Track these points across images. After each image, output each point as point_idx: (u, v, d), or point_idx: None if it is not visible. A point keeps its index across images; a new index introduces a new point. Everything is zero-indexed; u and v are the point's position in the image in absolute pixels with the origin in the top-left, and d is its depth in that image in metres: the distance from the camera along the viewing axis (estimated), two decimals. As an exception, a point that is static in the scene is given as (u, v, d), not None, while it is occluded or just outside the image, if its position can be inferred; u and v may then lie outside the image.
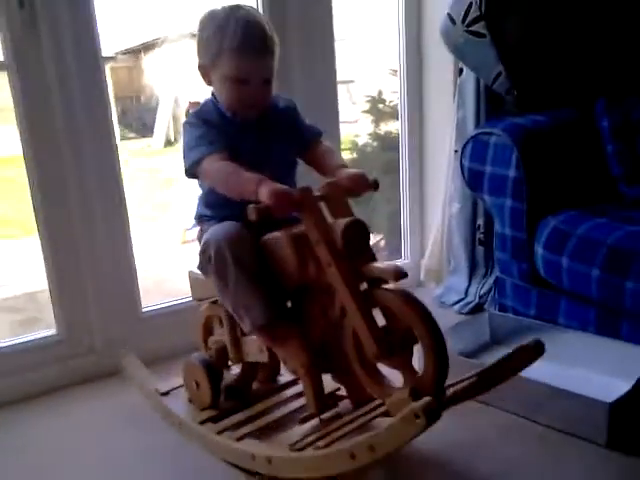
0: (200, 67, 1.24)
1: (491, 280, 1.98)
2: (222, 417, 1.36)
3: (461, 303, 2.00)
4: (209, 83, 1.26)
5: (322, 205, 1.12)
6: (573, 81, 2.03)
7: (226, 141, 1.20)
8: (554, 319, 1.68)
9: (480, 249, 2.01)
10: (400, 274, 1.03)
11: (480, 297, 1.98)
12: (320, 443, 1.13)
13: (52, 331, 1.70)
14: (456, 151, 1.97)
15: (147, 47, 5.60)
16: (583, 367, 1.50)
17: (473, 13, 1.82)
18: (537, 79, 1.96)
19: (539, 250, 1.64)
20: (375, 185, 1.19)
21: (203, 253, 1.22)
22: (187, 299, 1.88)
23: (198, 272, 1.34)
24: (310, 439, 1.17)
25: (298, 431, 1.23)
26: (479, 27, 1.83)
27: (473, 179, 1.81)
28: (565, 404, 1.32)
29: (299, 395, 1.41)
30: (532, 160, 1.68)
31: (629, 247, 1.44)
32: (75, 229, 1.64)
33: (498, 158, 1.73)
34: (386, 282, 1.07)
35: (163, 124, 6.03)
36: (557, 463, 1.24)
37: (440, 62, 2.06)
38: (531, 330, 1.65)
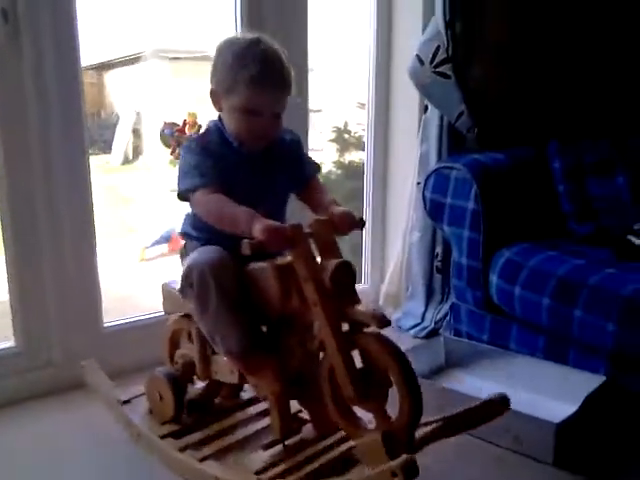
0: (212, 93, 1.24)
1: (447, 306, 2.06)
2: (184, 433, 1.36)
3: (417, 327, 2.08)
4: (219, 109, 1.25)
5: (311, 242, 1.14)
6: (530, 122, 2.18)
7: (224, 172, 1.21)
8: (506, 344, 1.77)
9: (437, 276, 2.10)
10: (384, 321, 1.06)
11: (436, 322, 2.06)
12: (291, 479, 1.11)
13: (10, 343, 1.67)
14: (419, 183, 2.06)
15: (110, 65, 5.59)
16: (532, 391, 1.58)
17: (440, 55, 1.95)
18: (497, 119, 2.10)
19: (494, 279, 1.74)
20: (362, 223, 1.22)
21: (185, 278, 1.22)
22: (149, 315, 1.90)
23: (171, 285, 1.36)
24: (277, 470, 1.17)
25: (262, 457, 1.24)
26: (445, 69, 1.95)
27: (434, 210, 1.91)
28: (514, 424, 1.39)
29: (262, 414, 1.42)
30: (490, 194, 1.78)
31: (577, 279, 1.55)
32: (41, 241, 1.62)
33: (458, 191, 1.83)
34: (367, 325, 1.09)
35: (122, 141, 5.98)
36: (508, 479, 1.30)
37: (406, 99, 2.17)
38: (484, 354, 1.74)
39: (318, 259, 1.13)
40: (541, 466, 1.34)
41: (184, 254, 1.32)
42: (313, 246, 1.14)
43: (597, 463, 1.36)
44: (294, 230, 1.11)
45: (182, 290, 1.24)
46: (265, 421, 1.39)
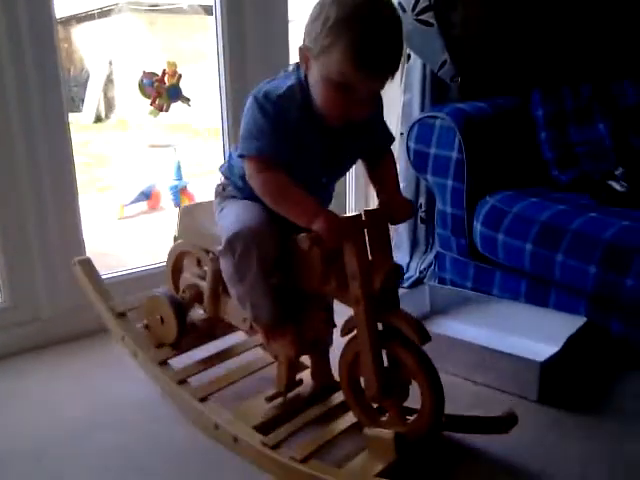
0: (302, 49, 1.05)
1: (431, 256, 2.09)
2: (182, 361, 1.36)
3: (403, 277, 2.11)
4: (306, 70, 1.07)
5: (365, 233, 1.09)
6: (514, 71, 2.17)
7: (295, 141, 1.09)
8: (489, 290, 1.81)
9: (421, 227, 2.12)
10: (426, 338, 1.05)
11: (420, 272, 2.09)
12: (297, 455, 1.11)
13: (-2, 299, 1.66)
14: (402, 133, 2.06)
15: (78, 18, 5.39)
16: (515, 333, 1.63)
17: (422, 3, 1.92)
18: (480, 68, 2.09)
19: (477, 227, 1.77)
20: (414, 213, 1.18)
21: (229, 243, 1.14)
22: (135, 269, 1.90)
23: (194, 212, 1.33)
24: (281, 435, 1.16)
25: (264, 409, 1.25)
26: (428, 16, 1.93)
27: (418, 160, 1.91)
28: (499, 365, 1.44)
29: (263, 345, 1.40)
30: (473, 143, 1.79)
31: (560, 224, 1.58)
32: (24, 198, 1.60)
33: (442, 141, 1.83)
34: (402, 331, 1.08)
35: (94, 99, 5.83)
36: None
37: (388, 47, 2.14)
38: (468, 301, 1.78)
39: (369, 252, 1.10)
40: (523, 402, 1.39)
41: (222, 195, 1.26)
42: (366, 238, 1.10)
43: (579, 399, 1.42)
44: (352, 223, 1.07)
45: (223, 252, 1.16)
46: (267, 356, 1.39)
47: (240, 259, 1.14)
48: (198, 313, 1.43)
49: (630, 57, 2.15)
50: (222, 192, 1.27)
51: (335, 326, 1.21)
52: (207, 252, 1.32)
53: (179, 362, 1.40)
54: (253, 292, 1.17)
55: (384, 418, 1.18)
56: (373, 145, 1.22)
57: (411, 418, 1.15)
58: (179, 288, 1.41)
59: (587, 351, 1.55)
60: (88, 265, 1.51)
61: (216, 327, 1.42)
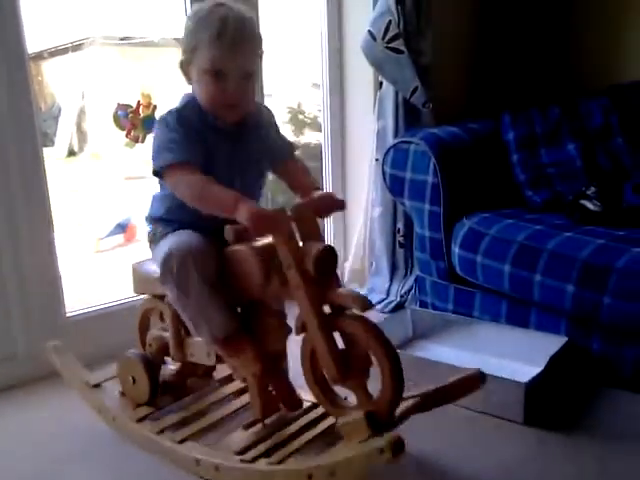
0: (181, 64, 1.21)
1: (411, 280, 2.10)
2: (160, 416, 1.36)
3: (384, 302, 2.10)
4: (189, 81, 1.23)
5: (293, 225, 1.14)
6: (484, 95, 2.22)
7: (201, 147, 1.18)
8: (470, 312, 1.82)
9: (400, 251, 2.13)
10: (367, 305, 1.07)
11: (401, 296, 2.10)
12: (273, 458, 1.14)
13: (-30, 338, 1.62)
14: (377, 159, 2.08)
15: (48, 54, 5.38)
16: (498, 355, 1.63)
17: (392, 31, 1.96)
18: (451, 93, 2.13)
19: (455, 250, 1.78)
20: (343, 205, 1.22)
21: (165, 263, 1.18)
22: (111, 303, 1.86)
23: (142, 266, 1.34)
24: (259, 450, 1.18)
25: (243, 436, 1.25)
26: (398, 44, 1.96)
27: (394, 185, 1.93)
28: (485, 388, 1.43)
29: (238, 393, 1.43)
30: (448, 167, 1.82)
31: (537, 244, 1.59)
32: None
33: (417, 165, 1.85)
34: (348, 308, 1.11)
35: (66, 133, 5.79)
36: (481, 439, 1.34)
37: (361, 76, 2.18)
38: (449, 323, 1.78)
39: (300, 243, 1.13)
40: (511, 425, 1.39)
41: (154, 239, 1.29)
42: (295, 230, 1.13)
43: (563, 419, 1.42)
44: (278, 215, 1.11)
45: (162, 276, 1.20)
46: (242, 399, 1.40)
47: (179, 275, 1.16)
48: (170, 369, 1.44)
49: (595, 77, 2.22)
50: (153, 238, 1.30)
51: (291, 331, 1.21)
52: (163, 299, 1.33)
53: (157, 417, 1.37)
54: (202, 308, 1.19)
55: (353, 405, 1.17)
56: (278, 154, 1.31)
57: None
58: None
59: (569, 370, 1.55)
60: (60, 349, 1.52)
61: (188, 380, 1.45)
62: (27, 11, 1.56)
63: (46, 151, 1.73)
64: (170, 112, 1.20)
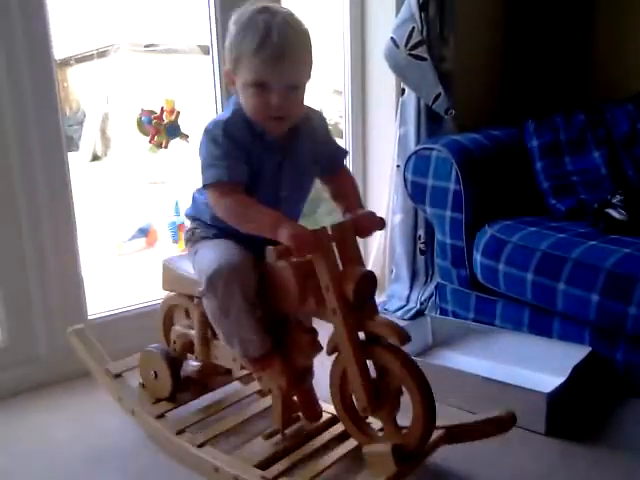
0: (226, 73, 1.17)
1: (431, 287, 2.08)
2: (180, 413, 1.36)
3: (403, 309, 2.09)
4: (235, 90, 1.18)
5: (333, 246, 1.12)
6: (507, 102, 2.21)
7: (248, 162, 1.14)
8: (491, 321, 1.80)
9: (421, 258, 2.11)
10: (405, 337, 1.05)
11: (421, 303, 2.08)
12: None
13: (-5, 338, 1.64)
14: (398, 166, 2.08)
15: (74, 60, 5.47)
16: (520, 365, 1.61)
17: (415, 38, 1.96)
18: (474, 100, 2.12)
19: (477, 257, 1.76)
20: (383, 224, 1.20)
21: (210, 281, 1.14)
22: (133, 306, 1.88)
23: (173, 263, 1.34)
24: (280, 467, 1.17)
25: (263, 447, 1.24)
26: (420, 51, 1.96)
27: (416, 191, 1.92)
28: (505, 397, 1.41)
29: (259, 392, 1.43)
30: (470, 174, 1.80)
31: (561, 252, 1.57)
32: (22, 235, 1.60)
33: (439, 172, 1.85)
34: (384, 337, 1.09)
35: (90, 138, 5.88)
36: (503, 450, 1.33)
37: (383, 82, 2.18)
38: (470, 332, 1.77)
39: (339, 263, 1.11)
40: (533, 435, 1.37)
41: (191, 239, 1.28)
42: (335, 250, 1.11)
43: (586, 430, 1.40)
44: (318, 235, 1.09)
45: (205, 291, 1.17)
46: (263, 402, 1.40)
47: (223, 296, 1.14)
48: (192, 365, 1.44)
49: (620, 83, 2.20)
50: (192, 237, 1.29)
51: (322, 349, 1.20)
52: (191, 299, 1.34)
53: (177, 415, 1.38)
54: (239, 327, 1.17)
55: (381, 434, 1.16)
56: (329, 165, 1.27)
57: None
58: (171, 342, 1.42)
59: (592, 381, 1.53)
60: (83, 333, 1.53)
61: (211, 378, 1.44)
62: (55, 18, 1.59)
63: (71, 155, 1.76)
64: (217, 123, 1.15)
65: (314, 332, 1.24)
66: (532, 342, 1.65)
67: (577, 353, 1.51)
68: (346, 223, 1.16)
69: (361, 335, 1.11)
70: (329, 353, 1.14)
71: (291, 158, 1.20)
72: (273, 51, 1.07)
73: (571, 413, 1.44)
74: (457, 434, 1.22)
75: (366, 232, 1.18)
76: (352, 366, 1.09)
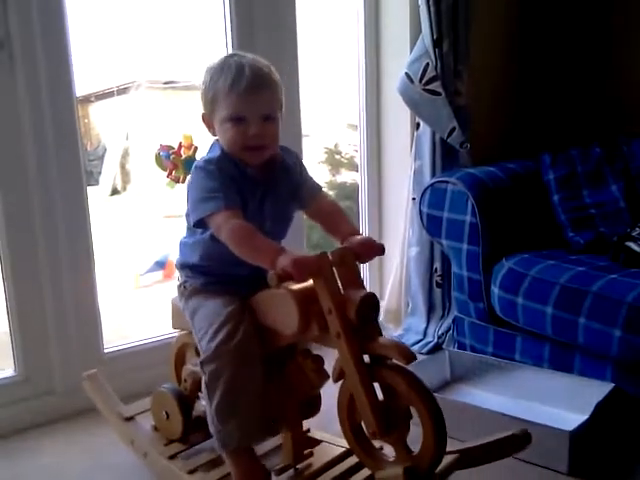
0: (203, 117, 1.24)
1: (448, 320, 2.06)
2: (192, 454, 1.35)
3: (420, 343, 2.07)
4: (214, 133, 1.24)
5: (334, 271, 1.12)
6: (522, 135, 2.21)
7: (240, 196, 1.18)
8: (511, 356, 1.77)
9: (437, 291, 2.10)
10: (411, 357, 1.04)
11: (438, 337, 2.06)
12: None
13: (11, 372, 1.65)
14: (414, 199, 2.08)
15: (95, 97, 5.61)
16: (541, 401, 1.58)
17: (429, 73, 1.98)
18: (489, 134, 2.13)
19: (495, 290, 1.74)
20: (383, 250, 1.20)
21: (209, 368, 1.17)
22: (149, 339, 1.88)
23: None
24: None
25: None
26: (435, 86, 1.98)
27: (431, 224, 1.92)
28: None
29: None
30: (486, 207, 1.80)
31: (580, 286, 1.55)
32: (40, 271, 1.62)
33: (455, 205, 1.84)
34: (389, 358, 1.08)
35: (110, 173, 5.98)
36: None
37: (397, 116, 2.20)
38: (489, 367, 1.73)
39: (341, 288, 1.11)
40: (556, 475, 1.33)
41: (184, 293, 1.30)
42: (336, 275, 1.11)
43: (610, 470, 1.35)
44: (319, 259, 1.09)
45: (208, 362, 1.19)
46: (274, 440, 1.37)
47: (210, 382, 1.17)
48: (204, 405, 1.41)
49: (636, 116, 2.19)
50: (184, 291, 1.30)
51: (329, 377, 1.18)
52: None
53: (189, 455, 1.37)
54: (221, 414, 1.17)
55: (392, 459, 1.13)
56: (304, 197, 1.31)
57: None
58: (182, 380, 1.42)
59: (616, 418, 1.49)
60: (96, 379, 1.53)
61: None
62: (76, 56, 1.64)
63: (91, 190, 1.78)
64: (209, 160, 1.20)
65: (320, 360, 1.23)
66: (553, 378, 1.61)
67: (600, 390, 1.48)
68: (346, 249, 1.16)
69: (366, 358, 1.10)
70: (335, 380, 1.13)
71: (271, 193, 1.25)
72: (247, 84, 1.16)
73: (594, 452, 1.40)
74: (472, 457, 1.18)
75: (366, 257, 1.19)
76: (358, 389, 1.07)
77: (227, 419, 1.17)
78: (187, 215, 1.24)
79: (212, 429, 1.20)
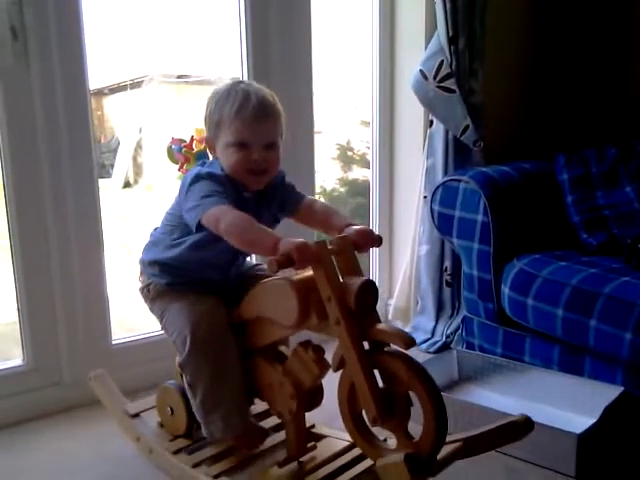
0: (206, 141, 1.29)
1: (457, 320, 2.05)
2: (196, 448, 1.35)
3: (428, 342, 2.06)
4: (215, 156, 1.28)
5: (333, 259, 1.13)
6: (536, 134, 2.19)
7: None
8: (520, 357, 1.75)
9: (447, 290, 2.09)
10: (410, 341, 1.04)
11: (447, 337, 2.05)
12: None
13: (19, 361, 1.65)
14: (425, 197, 2.07)
15: (108, 90, 5.63)
16: (549, 403, 1.56)
17: (444, 70, 1.96)
18: (503, 133, 2.11)
19: (505, 291, 1.73)
20: (380, 240, 1.21)
21: (194, 345, 1.22)
22: (158, 331, 1.88)
23: None
24: None
25: (278, 475, 1.22)
26: (449, 83, 1.97)
27: (443, 223, 1.90)
28: (533, 437, 1.35)
29: (275, 428, 1.41)
30: (498, 206, 1.78)
31: (592, 288, 1.53)
32: (50, 262, 1.63)
33: (467, 204, 1.83)
34: (388, 344, 1.09)
35: (123, 165, 6.00)
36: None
37: (411, 114, 2.18)
38: (498, 367, 1.72)
39: (340, 277, 1.12)
40: (560, 477, 1.31)
41: (149, 297, 1.33)
42: (335, 263, 1.12)
43: (618, 473, 1.34)
44: (319, 247, 1.10)
45: (187, 361, 1.26)
46: (278, 435, 1.38)
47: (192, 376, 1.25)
48: None
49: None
50: (148, 294, 1.33)
51: (329, 367, 1.17)
52: None
53: (193, 449, 1.37)
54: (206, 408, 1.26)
55: (393, 448, 1.12)
56: (293, 202, 1.35)
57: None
58: None
59: (625, 422, 1.47)
60: (102, 378, 1.54)
61: None
62: (90, 50, 1.64)
63: (104, 182, 1.79)
64: (212, 175, 1.22)
65: (321, 350, 1.23)
66: (562, 380, 1.60)
67: (609, 393, 1.46)
68: (345, 237, 1.17)
69: (365, 346, 1.10)
70: (335, 369, 1.13)
71: (264, 215, 1.28)
72: (252, 112, 1.20)
73: (602, 456, 1.38)
74: (474, 444, 1.16)
75: (364, 246, 1.20)
76: (359, 376, 1.07)
77: (211, 413, 1.24)
78: (169, 213, 1.30)
79: (200, 422, 1.27)
